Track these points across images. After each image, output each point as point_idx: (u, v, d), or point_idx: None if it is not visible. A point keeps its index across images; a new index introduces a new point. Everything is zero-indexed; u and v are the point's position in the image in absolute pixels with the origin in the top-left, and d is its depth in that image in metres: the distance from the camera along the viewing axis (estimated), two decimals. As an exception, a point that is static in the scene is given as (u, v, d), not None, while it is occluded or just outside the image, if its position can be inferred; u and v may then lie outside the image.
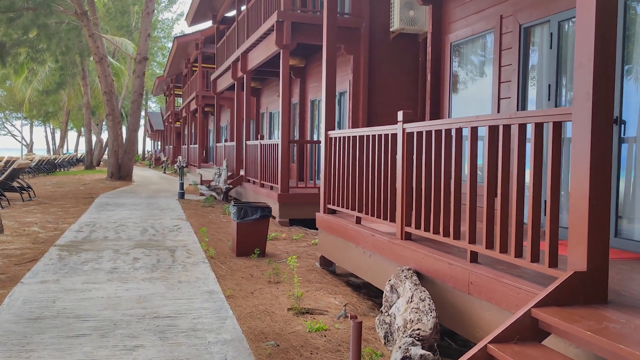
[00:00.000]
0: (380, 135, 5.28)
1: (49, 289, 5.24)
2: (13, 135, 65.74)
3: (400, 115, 4.85)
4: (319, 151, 12.12)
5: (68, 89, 33.77)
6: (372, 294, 5.94)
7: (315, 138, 14.09)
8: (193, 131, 29.86)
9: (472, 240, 3.92)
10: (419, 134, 4.61)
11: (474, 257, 3.93)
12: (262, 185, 12.24)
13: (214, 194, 13.91)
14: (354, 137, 5.92)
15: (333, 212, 6.86)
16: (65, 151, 61.11)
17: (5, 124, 64.02)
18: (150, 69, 54.33)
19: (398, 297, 4.07)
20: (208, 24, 21.82)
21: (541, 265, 3.26)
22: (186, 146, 31.00)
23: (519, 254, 3.44)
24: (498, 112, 6.11)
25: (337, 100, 12.30)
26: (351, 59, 10.99)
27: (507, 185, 3.58)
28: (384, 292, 4.29)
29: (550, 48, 5.50)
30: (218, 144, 18.86)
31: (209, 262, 6.59)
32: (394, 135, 5.02)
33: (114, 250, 7.18)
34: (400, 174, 4.83)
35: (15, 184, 13.50)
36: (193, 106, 26.79)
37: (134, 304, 4.83)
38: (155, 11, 50.43)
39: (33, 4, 16.37)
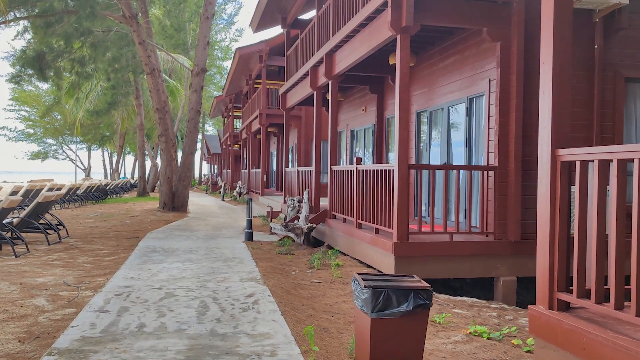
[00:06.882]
0: None
1: None
2: (71, 160, 65.18)
3: None
4: (436, 180, 8.74)
5: (121, 110, 31.79)
6: None
7: (423, 162, 10.70)
8: (251, 154, 27.02)
9: None
10: None
11: None
12: (360, 227, 8.94)
13: (292, 235, 10.65)
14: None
15: (565, 305, 3.50)
16: (121, 175, 59.96)
17: (63, 148, 63.44)
18: (207, 90, 52.46)
19: None
20: (275, 30, 18.99)
21: None
22: (246, 170, 28.18)
23: None
24: None
25: (465, 109, 8.92)
26: (497, 47, 7.62)
27: None
28: None
29: None
30: (288, 169, 15.70)
31: (331, 413, 3.28)
32: None
33: (149, 366, 3.96)
34: None
35: (42, 221, 10.69)
36: (255, 126, 23.96)
37: None
38: (213, 30, 48.62)
39: (74, 5, 13.76)
